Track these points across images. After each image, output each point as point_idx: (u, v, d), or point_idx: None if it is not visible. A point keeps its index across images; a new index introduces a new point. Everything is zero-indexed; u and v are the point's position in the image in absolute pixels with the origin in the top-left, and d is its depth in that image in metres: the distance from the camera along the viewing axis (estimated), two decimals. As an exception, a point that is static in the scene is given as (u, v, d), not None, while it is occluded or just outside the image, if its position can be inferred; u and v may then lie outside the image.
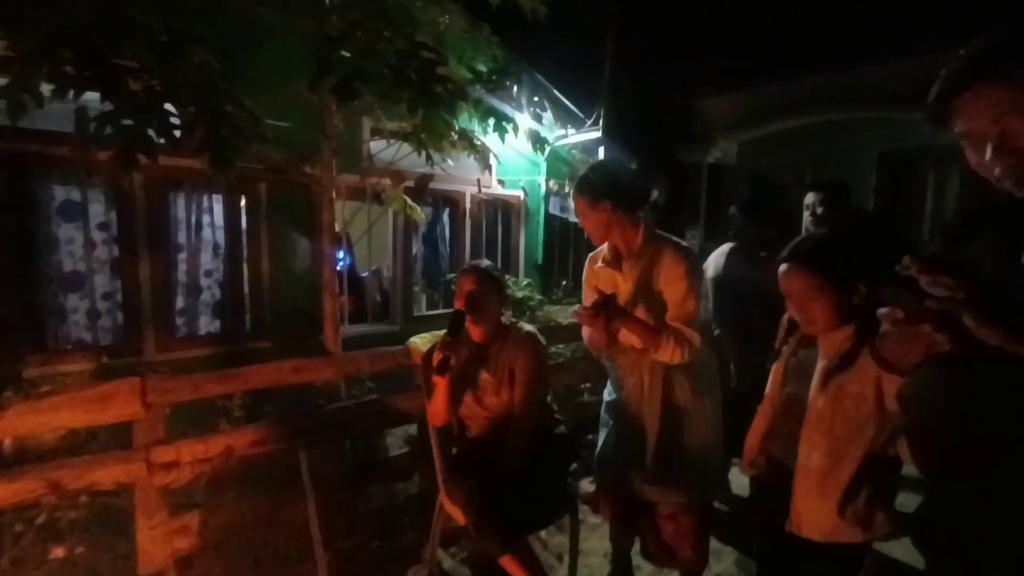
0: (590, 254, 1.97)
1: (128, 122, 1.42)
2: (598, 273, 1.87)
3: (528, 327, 1.98)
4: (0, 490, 1.76)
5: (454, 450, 2.12)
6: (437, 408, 1.90)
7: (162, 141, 1.50)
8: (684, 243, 1.82)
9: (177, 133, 1.53)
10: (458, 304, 1.88)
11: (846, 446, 1.29)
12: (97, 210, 2.97)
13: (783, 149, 6.88)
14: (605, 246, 1.87)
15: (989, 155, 0.83)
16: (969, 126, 0.86)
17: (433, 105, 1.65)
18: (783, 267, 1.36)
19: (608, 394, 2.00)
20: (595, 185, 1.74)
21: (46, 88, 1.58)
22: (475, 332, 1.94)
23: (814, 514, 1.34)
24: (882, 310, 0.85)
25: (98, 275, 3.00)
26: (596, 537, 2.55)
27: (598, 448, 1.98)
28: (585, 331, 1.90)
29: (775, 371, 1.56)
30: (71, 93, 1.58)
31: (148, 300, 3.08)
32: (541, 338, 1.97)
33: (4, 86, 1.57)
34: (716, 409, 1.85)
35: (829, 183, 2.84)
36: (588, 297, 1.90)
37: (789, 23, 6.33)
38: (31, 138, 2.63)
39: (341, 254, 4.64)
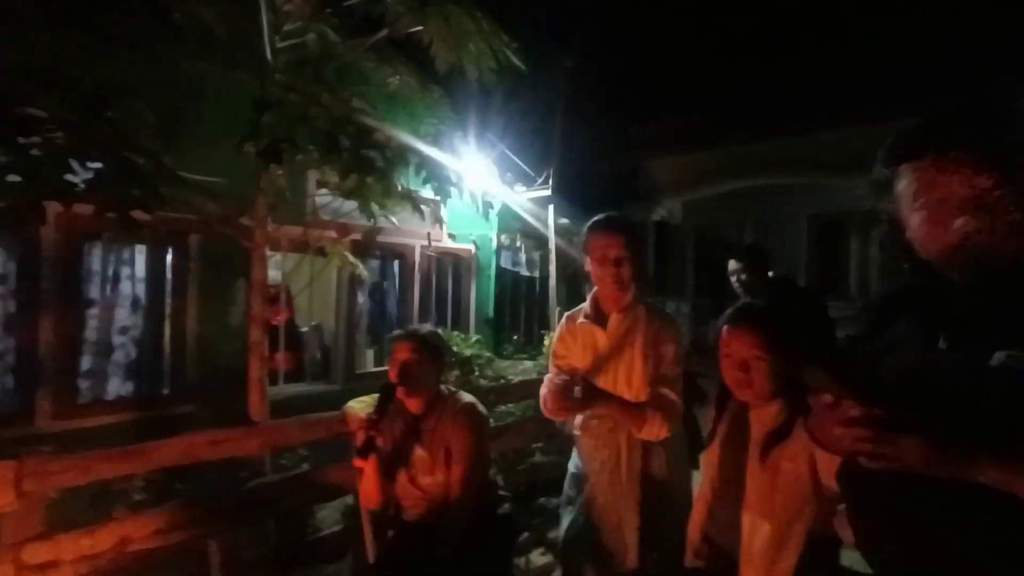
0: (566, 313, 1.88)
1: (15, 179, 1.26)
2: (578, 329, 1.78)
3: (467, 398, 1.85)
4: None
5: (390, 533, 1.91)
6: (368, 490, 1.72)
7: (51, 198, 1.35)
8: None
9: (77, 190, 1.38)
10: (392, 374, 1.74)
11: (788, 527, 1.23)
12: (-7, 261, 2.67)
13: (724, 209, 7.30)
14: (586, 304, 1.80)
15: (960, 222, 0.78)
16: (926, 191, 0.82)
17: (368, 171, 1.59)
18: (729, 328, 1.34)
19: (573, 466, 1.85)
20: (637, 230, 1.70)
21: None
22: (411, 404, 1.80)
23: None
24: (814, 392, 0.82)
25: (-13, 333, 2.66)
26: (547, 619, 2.36)
27: (563, 527, 1.81)
28: (545, 395, 1.76)
29: (709, 452, 1.48)
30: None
31: (47, 360, 2.74)
32: (482, 409, 1.84)
33: None
34: (689, 480, 1.76)
35: (748, 250, 3.01)
36: (559, 354, 1.80)
37: (730, 92, 6.88)
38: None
39: (279, 309, 4.39)
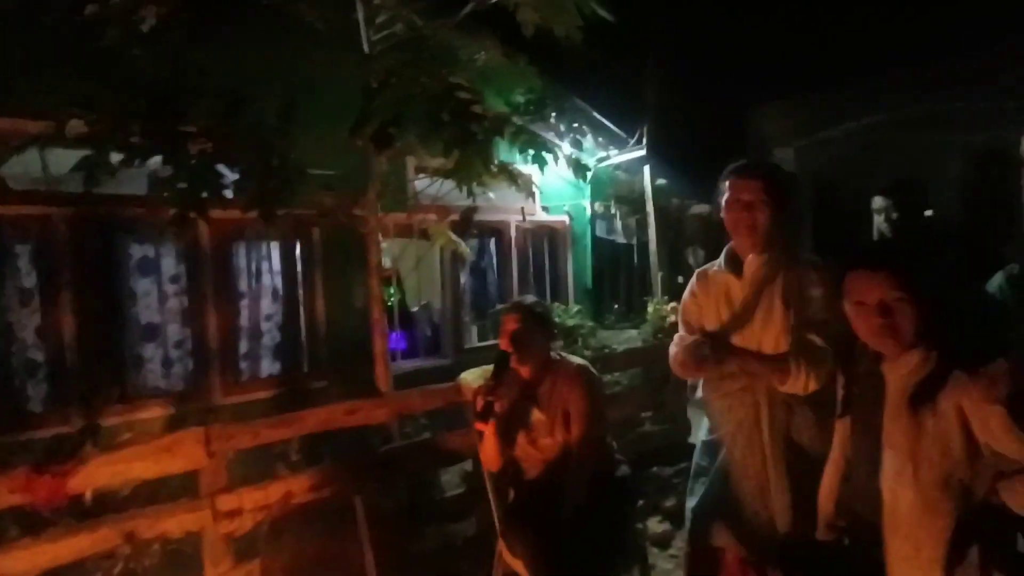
0: (697, 269, 1.79)
1: (182, 185, 1.50)
2: (711, 281, 1.68)
3: (578, 360, 1.91)
4: (82, 540, 1.85)
5: (511, 494, 2.03)
6: (489, 453, 1.84)
7: (209, 197, 1.58)
8: None
9: (228, 192, 1.60)
10: (502, 344, 1.83)
11: (936, 496, 1.09)
12: (168, 264, 3.18)
13: (845, 153, 6.47)
14: (720, 258, 1.70)
15: None
16: None
17: (469, 144, 1.65)
18: (860, 270, 1.18)
19: (705, 433, 1.75)
20: (780, 177, 1.61)
21: (115, 157, 1.70)
22: (524, 371, 1.87)
23: None
24: None
25: (170, 325, 3.20)
26: (668, 585, 2.36)
27: (693, 498, 1.72)
28: (676, 353, 1.69)
29: (841, 423, 1.34)
30: (137, 161, 1.69)
31: (215, 346, 3.24)
32: (593, 371, 1.88)
33: (81, 159, 1.72)
34: None
35: (902, 184, 2.60)
36: (690, 312, 1.72)
37: (831, 28, 6.01)
38: (113, 202, 2.86)
39: (392, 290, 4.74)
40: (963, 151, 5.78)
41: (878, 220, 2.58)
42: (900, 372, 1.16)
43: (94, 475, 1.87)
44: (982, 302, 1.28)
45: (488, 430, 1.77)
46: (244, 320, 3.43)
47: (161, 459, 1.95)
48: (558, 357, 1.91)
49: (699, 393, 1.80)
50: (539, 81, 2.68)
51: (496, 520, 1.91)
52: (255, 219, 3.15)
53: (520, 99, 2.24)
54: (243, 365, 3.42)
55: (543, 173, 2.56)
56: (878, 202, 2.58)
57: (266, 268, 3.51)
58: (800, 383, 1.46)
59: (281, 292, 3.57)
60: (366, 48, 1.91)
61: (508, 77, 2.51)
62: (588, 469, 1.76)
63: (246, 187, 1.76)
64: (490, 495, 1.98)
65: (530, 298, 1.96)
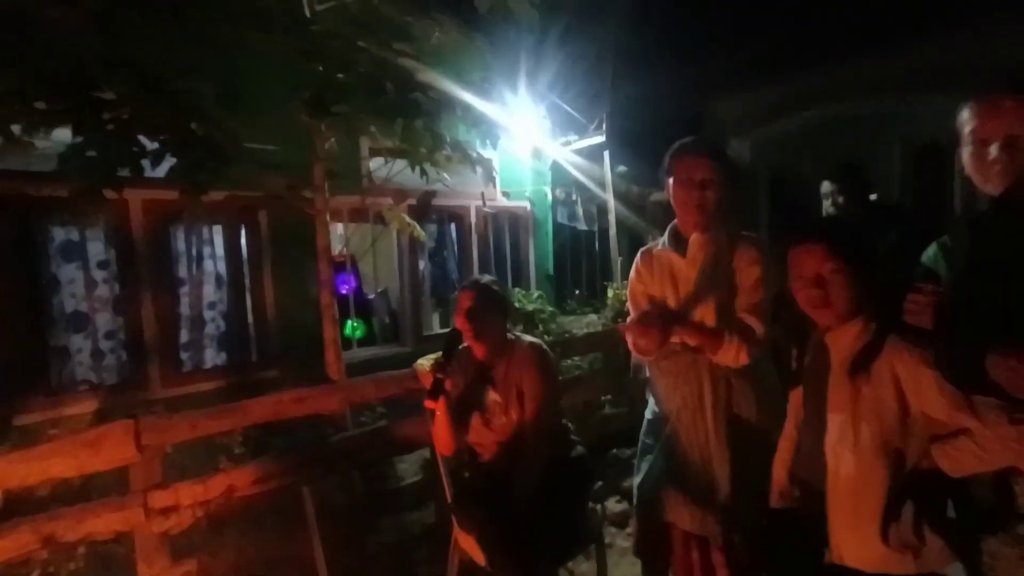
0: (641, 249, 1.80)
1: (92, 153, 1.35)
2: (655, 259, 1.70)
3: (532, 339, 1.87)
4: (-9, 545, 1.68)
5: (465, 476, 1.98)
6: (440, 435, 1.78)
7: (127, 169, 1.43)
8: None
9: (146, 162, 1.46)
10: (457, 322, 1.78)
11: (873, 460, 1.14)
12: (96, 248, 2.94)
13: (799, 145, 6.66)
14: (664, 236, 1.72)
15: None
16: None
17: (413, 113, 1.56)
18: (796, 244, 1.24)
19: (650, 412, 1.78)
20: (728, 156, 1.61)
21: (16, 127, 1.53)
22: (478, 350, 1.82)
23: (853, 541, 1.18)
24: None
25: (100, 314, 2.97)
26: (626, 563, 2.37)
27: (639, 476, 1.75)
28: (631, 338, 1.72)
29: (794, 393, 1.42)
30: (42, 131, 1.52)
31: (152, 336, 3.03)
32: (547, 349, 1.84)
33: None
34: (779, 420, 1.67)
35: (844, 169, 2.65)
36: (636, 292, 1.74)
37: (798, 16, 6.14)
38: (29, 180, 2.61)
39: (347, 278, 4.58)
40: (908, 143, 6.10)
41: (826, 204, 2.64)
42: (842, 342, 1.21)
43: (5, 473, 1.71)
44: (918, 274, 1.33)
45: (439, 409, 1.71)
46: (184, 308, 3.23)
47: (82, 456, 1.79)
48: (513, 338, 1.87)
49: (645, 373, 1.83)
50: (496, 61, 2.59)
51: (449, 502, 1.86)
52: (193, 201, 3.00)
53: (476, 77, 2.14)
54: (184, 355, 3.23)
55: (495, 149, 2.48)
56: (826, 187, 2.63)
57: (208, 253, 3.30)
58: (731, 355, 1.51)
59: (226, 278, 3.38)
60: (307, 12, 1.78)
61: (463, 56, 2.40)
62: (542, 449, 1.73)
63: (177, 164, 1.61)
64: (443, 479, 1.92)
65: (486, 277, 1.90)
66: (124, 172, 1.58)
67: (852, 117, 6.05)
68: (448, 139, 2.04)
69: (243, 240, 3.41)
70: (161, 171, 1.92)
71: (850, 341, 1.20)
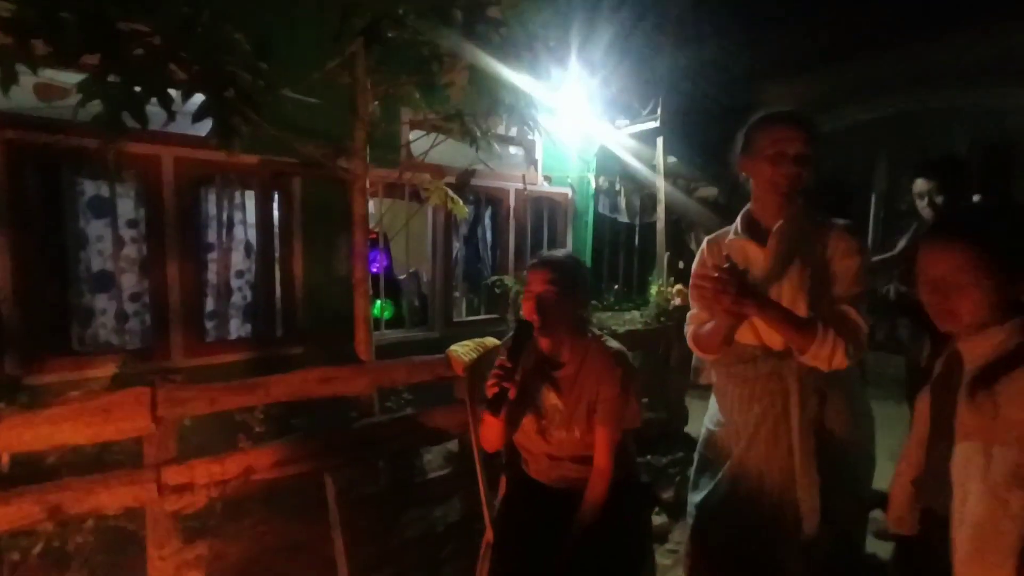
0: (706, 238, 1.57)
1: (115, 78, 1.18)
2: (729, 247, 1.45)
3: (616, 345, 1.54)
4: (-7, 513, 1.55)
5: (503, 484, 1.76)
6: (489, 435, 1.54)
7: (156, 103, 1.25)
8: None
9: (174, 94, 1.28)
10: (525, 310, 1.47)
11: (1007, 493, 0.93)
12: (126, 206, 2.82)
13: (855, 144, 6.25)
14: (735, 223, 1.50)
15: None
16: None
17: (477, 45, 1.33)
18: (925, 242, 1.05)
19: (713, 423, 1.56)
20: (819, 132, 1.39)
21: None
22: (545, 342, 1.54)
23: None
24: None
25: (126, 275, 2.85)
26: (670, 584, 2.16)
27: (698, 494, 1.54)
28: (691, 328, 1.50)
29: (921, 401, 1.18)
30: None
31: (177, 302, 2.91)
32: (631, 361, 1.54)
33: (-1, 52, 1.37)
34: (872, 439, 1.43)
35: (942, 164, 2.34)
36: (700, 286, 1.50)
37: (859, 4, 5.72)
38: (62, 130, 2.49)
39: (378, 256, 4.43)
40: (977, 141, 5.61)
41: (920, 205, 2.34)
42: (978, 351, 1.01)
43: (9, 437, 1.57)
44: None
45: (495, 422, 1.46)
46: (212, 275, 3.10)
47: (93, 423, 1.65)
48: (591, 335, 1.56)
49: (710, 378, 1.60)
50: (558, 24, 2.35)
51: (485, 513, 1.65)
52: (225, 163, 2.84)
53: (538, 31, 1.89)
54: (209, 325, 3.10)
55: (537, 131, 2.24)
56: (920, 185, 2.32)
57: (239, 219, 3.16)
58: (825, 352, 1.27)
59: (255, 247, 3.23)
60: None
61: (532, 10, 2.10)
62: (609, 479, 1.46)
63: (208, 102, 1.43)
64: (479, 483, 1.72)
65: (563, 252, 1.57)
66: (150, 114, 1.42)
67: (918, 112, 5.62)
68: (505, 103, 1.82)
69: (275, 208, 3.26)
70: (194, 130, 1.77)
71: (987, 351, 0.99)
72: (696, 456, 1.61)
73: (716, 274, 1.26)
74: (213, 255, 3.09)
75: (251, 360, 3.12)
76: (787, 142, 1.34)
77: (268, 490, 1.99)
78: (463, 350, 2.11)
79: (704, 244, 1.57)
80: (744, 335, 1.44)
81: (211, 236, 3.08)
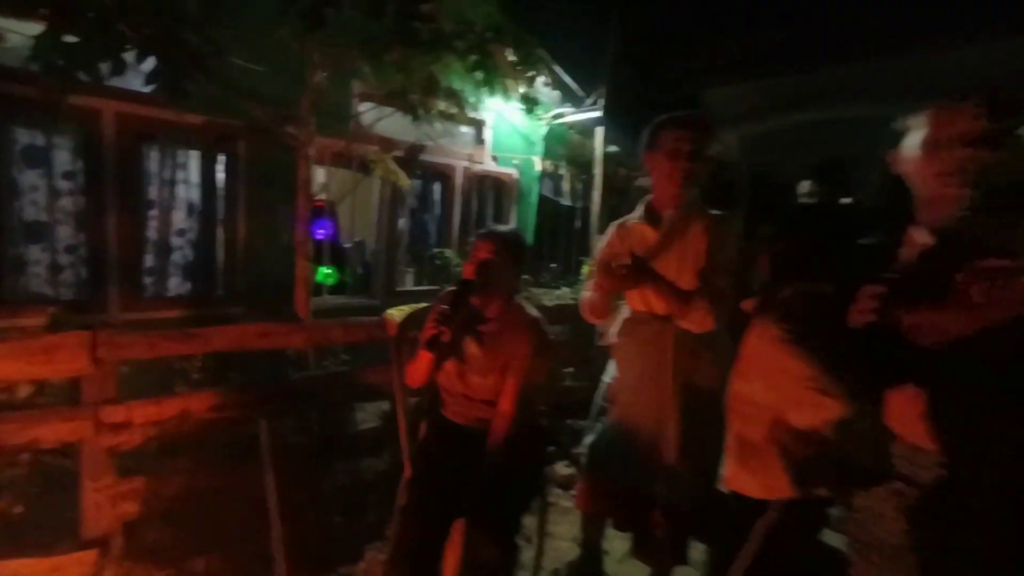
0: (615, 222, 1.85)
1: (69, 38, 1.28)
2: (628, 231, 1.76)
3: (534, 312, 1.77)
4: (-69, 443, 1.64)
5: (423, 429, 1.99)
6: (417, 369, 1.74)
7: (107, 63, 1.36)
8: None
9: (126, 56, 1.38)
10: (467, 272, 1.69)
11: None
12: (63, 157, 2.80)
13: (786, 147, 6.75)
14: (637, 209, 1.78)
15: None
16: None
17: (412, 43, 1.51)
18: None
19: (609, 376, 1.84)
20: (713, 132, 1.68)
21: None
22: (476, 299, 1.75)
23: None
24: None
25: (61, 227, 2.85)
26: (566, 522, 2.48)
27: (592, 435, 1.81)
28: (586, 300, 1.79)
29: None
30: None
31: (114, 256, 2.93)
32: (546, 327, 1.77)
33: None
34: None
35: (825, 168, 2.69)
36: (605, 261, 1.75)
37: (796, 11, 6.12)
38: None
39: (324, 223, 4.50)
40: (884, 161, 6.20)
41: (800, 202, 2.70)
42: None
43: (-51, 372, 1.65)
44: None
45: (427, 358, 1.68)
46: (151, 232, 3.12)
47: (34, 362, 1.75)
48: (517, 302, 1.79)
49: (609, 339, 1.88)
50: (500, 15, 2.53)
51: (403, 449, 1.88)
52: (169, 121, 2.86)
53: (478, 21, 2.07)
54: (147, 280, 3.13)
55: (484, 109, 2.43)
56: (805, 187, 2.69)
57: (181, 178, 3.18)
58: (698, 318, 1.59)
59: (198, 207, 3.27)
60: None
61: (468, 5, 2.30)
62: (512, 424, 1.70)
63: (158, 66, 1.53)
64: (399, 426, 1.94)
65: (509, 227, 1.82)
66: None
67: (845, 121, 6.13)
68: (443, 85, 2.00)
69: (220, 170, 3.30)
70: (137, 86, 1.84)
71: None
72: (595, 405, 1.90)
73: (624, 265, 1.55)
74: (154, 212, 3.11)
75: (189, 317, 3.18)
76: (683, 141, 1.62)
77: (203, 434, 2.13)
78: (398, 313, 2.30)
79: (611, 227, 1.85)
80: (635, 302, 1.75)
81: (152, 193, 3.09)
